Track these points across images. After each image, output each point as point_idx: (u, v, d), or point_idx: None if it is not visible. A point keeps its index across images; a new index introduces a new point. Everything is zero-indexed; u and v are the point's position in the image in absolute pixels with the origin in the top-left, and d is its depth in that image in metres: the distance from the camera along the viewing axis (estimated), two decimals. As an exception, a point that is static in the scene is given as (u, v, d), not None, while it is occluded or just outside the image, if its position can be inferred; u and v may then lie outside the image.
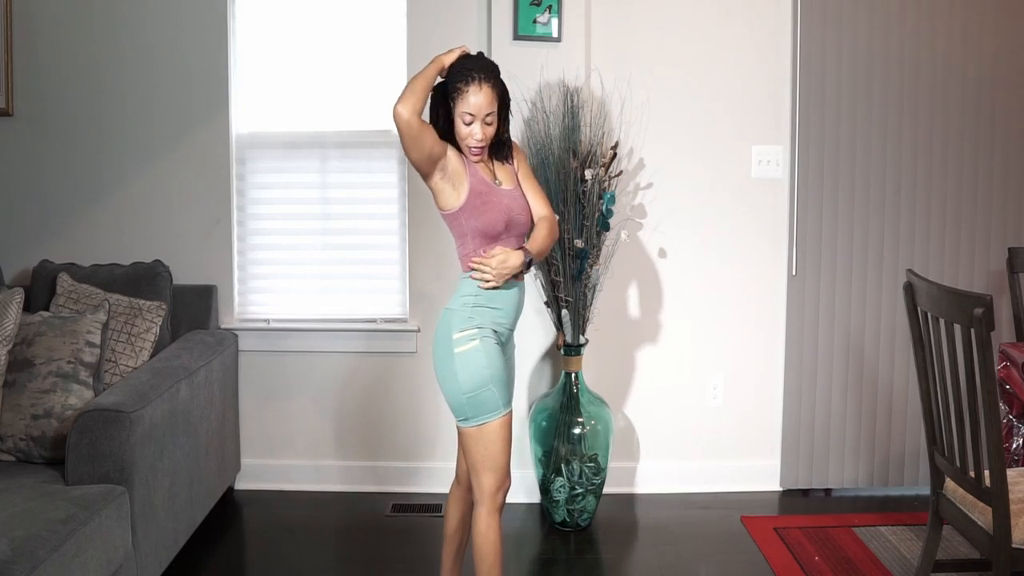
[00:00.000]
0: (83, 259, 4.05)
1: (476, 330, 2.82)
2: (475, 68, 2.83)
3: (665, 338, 4.25)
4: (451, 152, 2.87)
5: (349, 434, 4.29)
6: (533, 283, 4.04)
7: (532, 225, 3.00)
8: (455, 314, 2.85)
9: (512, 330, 2.97)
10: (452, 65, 2.86)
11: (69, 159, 4.15)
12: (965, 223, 4.18)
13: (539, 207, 3.01)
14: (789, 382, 4.23)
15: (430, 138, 2.80)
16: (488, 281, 2.85)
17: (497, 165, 2.97)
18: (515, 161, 3.04)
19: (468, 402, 2.81)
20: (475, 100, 2.81)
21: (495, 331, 2.87)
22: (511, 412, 2.87)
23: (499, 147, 2.97)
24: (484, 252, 2.86)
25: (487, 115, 2.83)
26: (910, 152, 4.13)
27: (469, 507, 3.09)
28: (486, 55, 2.82)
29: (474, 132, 2.84)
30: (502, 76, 2.90)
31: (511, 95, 3.84)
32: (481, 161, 2.92)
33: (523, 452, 4.14)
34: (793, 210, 4.18)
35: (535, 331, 4.11)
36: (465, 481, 3.08)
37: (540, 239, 2.97)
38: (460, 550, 3.13)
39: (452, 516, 3.10)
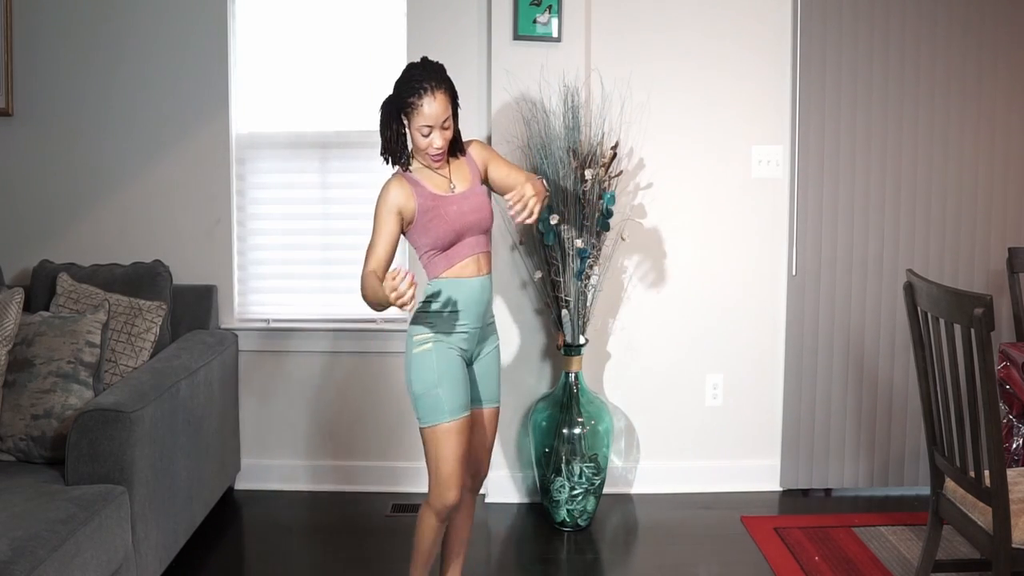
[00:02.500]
0: (83, 259, 4.05)
1: (432, 338, 2.84)
2: (424, 78, 2.78)
3: (665, 338, 4.25)
4: (400, 198, 2.83)
5: (349, 434, 4.29)
6: (533, 283, 4.04)
7: (492, 221, 2.95)
8: (418, 315, 2.90)
9: (481, 327, 2.93)
10: (399, 79, 2.83)
11: (69, 159, 4.15)
12: (965, 223, 4.17)
13: (519, 175, 2.97)
14: (789, 382, 4.23)
15: (385, 242, 2.80)
16: (531, 214, 2.77)
17: (453, 166, 2.94)
18: (476, 157, 2.99)
19: (418, 401, 2.86)
20: (430, 111, 2.77)
21: (460, 346, 2.87)
22: (464, 420, 2.84)
23: (452, 144, 2.92)
24: (436, 262, 2.87)
25: (444, 121, 2.81)
26: (910, 152, 4.13)
27: (466, 501, 3.10)
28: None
29: (433, 141, 2.81)
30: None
31: (510, 94, 3.79)
32: (443, 165, 2.90)
33: (523, 452, 4.14)
34: (793, 210, 4.18)
35: (535, 331, 4.11)
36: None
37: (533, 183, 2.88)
38: (459, 547, 3.14)
39: None
